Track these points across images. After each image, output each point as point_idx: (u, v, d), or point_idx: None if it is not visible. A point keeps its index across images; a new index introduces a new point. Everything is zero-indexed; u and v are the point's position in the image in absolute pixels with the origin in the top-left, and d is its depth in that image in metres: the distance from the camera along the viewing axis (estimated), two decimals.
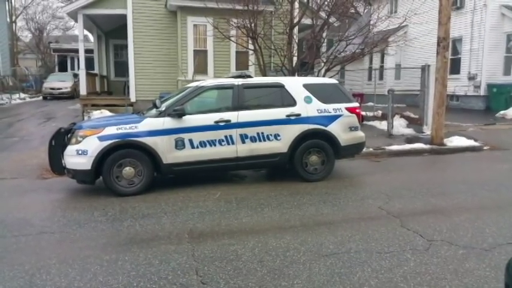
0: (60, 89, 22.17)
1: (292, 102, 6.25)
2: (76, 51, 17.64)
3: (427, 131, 10.49)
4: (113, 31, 16.85)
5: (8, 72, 24.78)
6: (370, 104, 15.43)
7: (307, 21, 11.61)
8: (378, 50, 13.79)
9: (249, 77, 6.44)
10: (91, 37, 20.80)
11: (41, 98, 22.90)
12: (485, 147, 9.24)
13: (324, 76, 10.83)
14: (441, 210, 4.85)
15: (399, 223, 4.40)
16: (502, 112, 14.24)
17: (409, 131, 10.97)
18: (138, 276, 3.30)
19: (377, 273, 3.27)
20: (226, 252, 3.70)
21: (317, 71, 11.81)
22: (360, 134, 6.69)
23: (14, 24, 32.19)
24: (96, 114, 11.56)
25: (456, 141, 9.49)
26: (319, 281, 3.16)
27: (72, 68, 29.85)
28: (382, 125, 11.59)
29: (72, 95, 21.73)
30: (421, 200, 5.30)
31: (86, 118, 11.89)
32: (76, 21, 14.82)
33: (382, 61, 21.00)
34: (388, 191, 5.64)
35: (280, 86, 6.34)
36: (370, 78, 21.36)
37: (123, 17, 13.55)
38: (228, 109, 6.05)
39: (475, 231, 4.14)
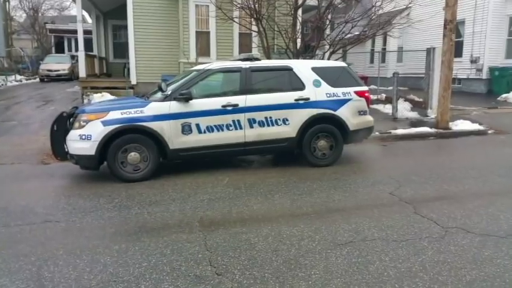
0: (58, 70, 21.77)
1: (300, 86, 6.09)
2: (73, 32, 17.26)
3: (432, 114, 10.39)
4: (111, 11, 16.41)
5: (3, 54, 24.32)
6: (373, 87, 15.22)
7: (312, 2, 11.29)
8: (382, 32, 13.52)
9: (257, 59, 6.26)
10: (89, 18, 20.33)
11: (37, 79, 22.54)
12: (489, 131, 9.18)
13: (328, 59, 10.60)
14: (453, 196, 4.78)
15: (412, 210, 4.32)
16: (504, 95, 14.11)
17: (414, 115, 10.85)
18: (150, 268, 3.20)
19: (395, 263, 3.20)
20: (240, 241, 3.61)
21: (322, 53, 11.55)
22: (369, 118, 6.56)
23: (7, 4, 31.44)
24: (97, 97, 11.32)
25: (461, 125, 9.43)
26: (337, 271, 3.09)
27: (70, 50, 29.32)
28: (386, 108, 11.48)
29: (70, 77, 21.37)
30: (432, 185, 5.21)
31: (86, 101, 11.67)
32: (73, 1, 14.40)
33: (385, 43, 20.67)
34: (397, 176, 5.55)
35: (289, 69, 6.17)
36: (372, 61, 21.09)
37: None
38: (235, 93, 5.88)
39: (489, 217, 4.07)
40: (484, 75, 15.82)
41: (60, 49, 30.28)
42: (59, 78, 21.44)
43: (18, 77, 22.42)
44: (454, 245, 3.49)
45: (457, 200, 4.62)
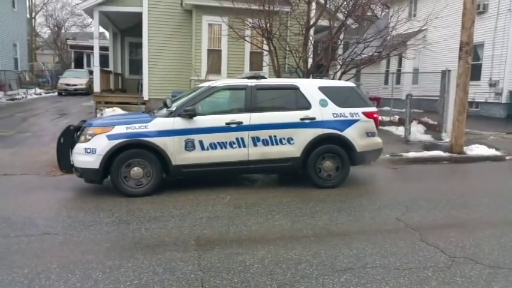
0: (75, 85, 22.33)
1: (307, 105, 6.03)
2: (92, 48, 17.67)
3: (446, 138, 10.16)
4: (128, 29, 16.89)
5: (26, 68, 25.14)
6: (387, 108, 15.07)
7: (324, 22, 11.37)
8: (396, 53, 13.47)
9: (263, 78, 6.25)
10: (107, 34, 20.91)
11: (56, 93, 23.12)
12: (507, 157, 8.87)
13: (339, 79, 10.57)
14: (463, 224, 4.57)
15: (418, 237, 4.13)
16: None
17: (427, 138, 10.63)
18: (141, 286, 3.12)
19: None
20: (234, 263, 3.50)
21: (333, 73, 11.54)
22: (377, 140, 6.42)
23: (33, 20, 32.74)
24: (108, 111, 11.52)
25: (476, 149, 9.15)
26: None
27: (88, 65, 30.12)
28: (399, 130, 11.28)
29: (87, 91, 21.86)
30: (441, 211, 5.01)
31: (98, 115, 11.87)
32: (92, 18, 14.87)
33: (400, 65, 20.61)
34: (406, 201, 5.37)
35: (295, 88, 6.13)
36: (386, 82, 20.98)
37: (139, 15, 13.53)
38: (240, 111, 5.86)
39: (501, 248, 3.86)
40: (504, 99, 15.48)
41: (79, 64, 31.17)
42: (76, 93, 21.97)
43: (38, 91, 23.03)
44: (460, 276, 3.30)
45: (467, 228, 4.41)
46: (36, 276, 3.26)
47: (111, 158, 5.41)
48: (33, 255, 3.67)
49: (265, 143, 5.81)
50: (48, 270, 3.37)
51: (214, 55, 12.68)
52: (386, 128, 11.56)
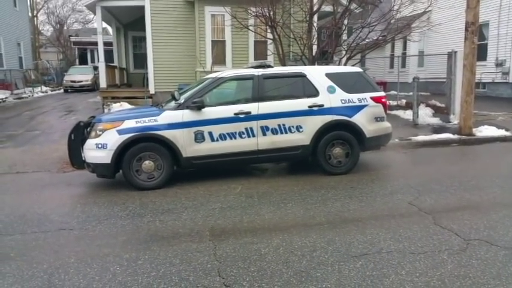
0: (81, 81, 22.42)
1: (314, 93, 6.00)
2: (95, 44, 17.64)
3: (455, 120, 10.08)
4: (131, 23, 16.84)
5: (30, 66, 25.25)
6: (393, 92, 14.93)
7: (327, 8, 11.24)
8: (401, 36, 13.26)
9: (269, 66, 6.22)
10: (110, 30, 20.86)
11: (62, 90, 23.24)
12: None
13: (345, 64, 10.47)
14: (476, 206, 4.55)
15: (432, 220, 4.13)
16: None
17: (436, 121, 10.54)
18: (159, 277, 3.17)
19: (412, 276, 3.04)
20: (250, 252, 3.53)
21: (338, 59, 11.43)
22: (386, 124, 6.39)
23: (35, 19, 32.77)
24: (116, 106, 11.56)
25: (486, 131, 9.07)
26: (350, 285, 2.96)
27: (92, 61, 30.17)
28: (407, 114, 11.20)
29: (93, 87, 21.95)
30: (453, 194, 4.99)
31: (106, 111, 11.92)
32: (94, 13, 14.84)
33: (405, 48, 20.33)
34: (417, 185, 5.35)
35: (302, 76, 6.09)
36: (392, 66, 20.74)
37: (141, 9, 13.48)
38: (248, 100, 5.85)
39: None
40: (511, 78, 15.24)
41: (83, 60, 31.25)
42: (82, 89, 22.06)
43: (44, 88, 23.15)
44: (476, 258, 3.30)
45: (481, 210, 4.39)
46: (56, 271, 3.32)
47: (122, 152, 5.45)
48: (50, 250, 3.73)
49: (275, 131, 5.80)
50: (66, 264, 3.43)
51: (218, 46, 12.61)
52: (394, 112, 11.48)
